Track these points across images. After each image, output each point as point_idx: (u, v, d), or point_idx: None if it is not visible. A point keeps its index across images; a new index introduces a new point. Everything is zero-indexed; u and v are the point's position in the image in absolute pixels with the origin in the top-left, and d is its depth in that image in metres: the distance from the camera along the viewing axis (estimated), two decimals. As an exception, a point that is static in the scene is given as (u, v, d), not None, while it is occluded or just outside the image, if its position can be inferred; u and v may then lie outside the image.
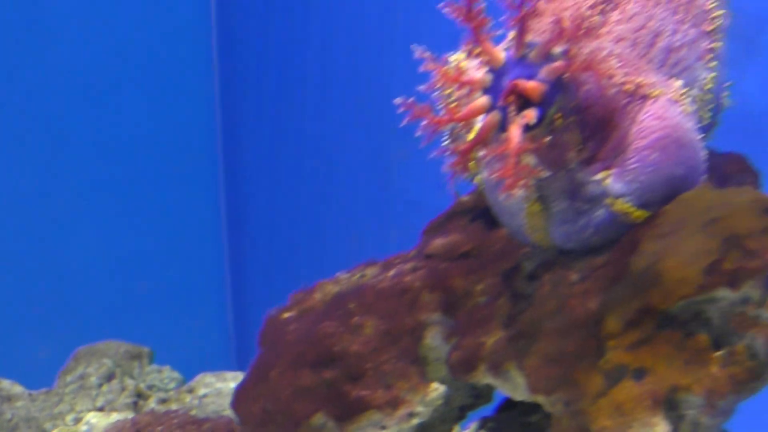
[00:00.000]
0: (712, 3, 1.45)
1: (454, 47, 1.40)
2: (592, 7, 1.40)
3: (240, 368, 3.08)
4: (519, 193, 1.24)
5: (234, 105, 3.50)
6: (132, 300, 3.52)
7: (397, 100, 1.29)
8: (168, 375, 2.52)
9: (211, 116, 3.58)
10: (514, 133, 1.23)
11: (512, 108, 1.23)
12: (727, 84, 1.49)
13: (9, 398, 2.43)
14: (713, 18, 1.44)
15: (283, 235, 3.40)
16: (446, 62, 1.42)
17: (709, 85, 1.43)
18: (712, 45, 1.43)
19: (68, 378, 2.48)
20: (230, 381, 2.44)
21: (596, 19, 1.27)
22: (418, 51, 1.28)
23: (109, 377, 2.47)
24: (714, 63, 1.43)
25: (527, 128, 1.24)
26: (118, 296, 3.52)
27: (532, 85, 1.23)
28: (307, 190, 3.28)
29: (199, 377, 2.46)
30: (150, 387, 2.50)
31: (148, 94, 3.50)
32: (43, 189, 3.42)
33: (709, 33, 1.43)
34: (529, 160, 1.26)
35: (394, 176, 2.96)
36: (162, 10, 3.50)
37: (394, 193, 2.94)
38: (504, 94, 1.23)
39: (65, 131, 3.43)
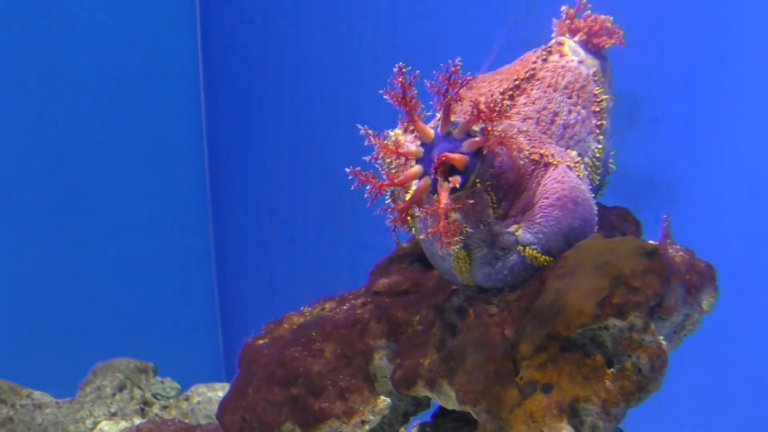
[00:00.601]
0: (599, 89, 1.44)
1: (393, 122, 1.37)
2: (502, 93, 1.38)
3: (228, 380, 3.02)
4: (453, 247, 1.21)
5: (220, 172, 3.46)
6: (140, 324, 3.46)
7: (348, 170, 1.25)
8: (169, 385, 2.46)
9: (202, 179, 3.53)
10: (443, 195, 1.20)
11: (441, 175, 1.20)
12: (613, 153, 1.47)
13: (40, 406, 2.37)
14: (600, 101, 1.43)
15: (260, 272, 3.36)
16: (386, 137, 1.39)
17: (598, 154, 1.41)
18: (600, 122, 1.42)
19: (88, 389, 2.42)
20: (219, 390, 2.38)
21: (506, 102, 1.24)
22: (363, 129, 1.25)
23: (121, 388, 2.41)
24: (601, 137, 1.42)
25: (453, 191, 1.22)
26: (129, 321, 3.46)
27: (458, 157, 1.20)
28: (279, 234, 3.24)
29: (193, 388, 2.40)
30: (154, 395, 2.44)
31: (143, 153, 3.43)
32: (61, 242, 3.36)
33: (597, 113, 1.42)
34: (455, 216, 1.23)
35: (348, 223, 2.93)
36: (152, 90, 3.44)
37: (348, 236, 2.91)
38: (435, 165, 1.19)
39: (79, 183, 3.36)
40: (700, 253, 1.35)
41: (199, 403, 2.35)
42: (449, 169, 1.21)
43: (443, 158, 1.19)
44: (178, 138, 3.52)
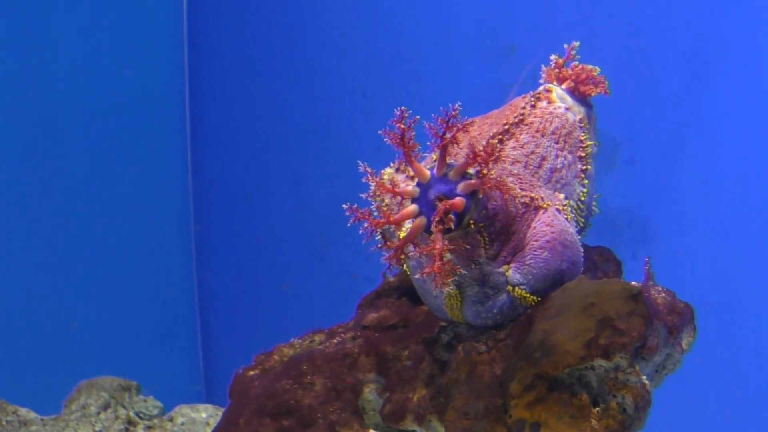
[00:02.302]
0: (584, 135, 1.41)
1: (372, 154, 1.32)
2: (493, 137, 1.34)
3: (208, 400, 2.95)
4: (448, 288, 1.17)
5: (204, 199, 3.41)
6: (122, 341, 3.38)
7: (345, 206, 1.21)
8: (152, 404, 2.38)
9: (186, 205, 3.47)
10: (438, 237, 1.16)
11: (441, 220, 1.16)
12: (596, 196, 1.44)
13: (25, 423, 2.28)
14: (585, 146, 1.40)
15: (241, 295, 3.31)
16: (381, 176, 1.36)
17: (583, 198, 1.38)
18: (585, 167, 1.39)
19: (73, 407, 2.33)
20: (202, 412, 2.30)
21: (498, 146, 1.21)
22: (362, 167, 1.22)
23: (105, 407, 2.33)
24: (586, 181, 1.39)
25: (447, 231, 1.18)
26: (111, 339, 3.37)
27: (458, 202, 1.17)
28: (261, 262, 3.19)
29: (177, 408, 2.33)
30: (138, 414, 2.36)
31: (128, 176, 3.36)
32: (48, 262, 3.28)
33: (582, 158, 1.39)
34: (449, 257, 1.19)
35: (329, 251, 2.88)
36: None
37: (328, 263, 2.87)
38: (439, 213, 1.16)
39: (63, 205, 3.28)
40: (673, 286, 1.33)
41: (183, 423, 2.27)
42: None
43: (448, 205, 1.15)
44: (163, 165, 3.46)
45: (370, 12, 2.65)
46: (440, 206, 1.15)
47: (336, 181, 2.75)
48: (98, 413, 2.31)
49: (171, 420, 2.29)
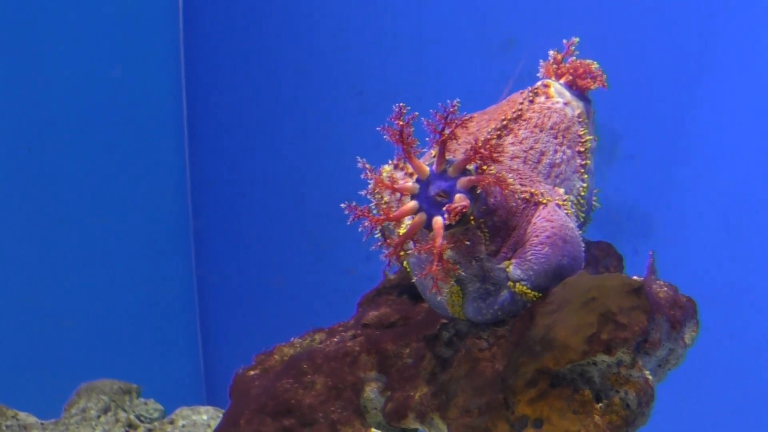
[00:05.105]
0: (583, 130, 1.41)
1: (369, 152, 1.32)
2: (491, 132, 1.35)
3: (209, 402, 2.96)
4: (444, 293, 1.17)
5: (203, 199, 3.41)
6: (122, 344, 3.38)
7: (343, 205, 1.21)
8: (153, 407, 2.39)
9: (184, 205, 3.47)
10: (438, 234, 1.16)
11: (454, 219, 1.16)
12: (596, 191, 1.45)
13: (25, 427, 2.29)
14: (584, 141, 1.40)
15: (241, 295, 3.31)
16: (380, 173, 1.36)
17: (583, 193, 1.38)
18: (584, 162, 1.39)
19: (72, 410, 2.34)
20: (203, 414, 2.31)
21: (499, 143, 1.21)
22: (361, 163, 1.22)
23: (106, 410, 2.33)
24: (586, 176, 1.39)
25: (447, 227, 1.18)
26: (110, 341, 3.38)
27: (465, 203, 1.17)
28: (260, 261, 3.19)
29: (178, 411, 2.33)
30: (138, 417, 2.36)
31: (127, 178, 3.37)
32: (46, 264, 3.28)
33: (581, 153, 1.39)
34: (449, 253, 1.20)
35: (329, 249, 2.89)
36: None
37: (327, 262, 2.88)
38: (451, 214, 1.16)
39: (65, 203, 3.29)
40: (674, 280, 1.33)
41: (184, 426, 2.28)
42: (442, 206, 1.18)
43: (460, 207, 1.15)
44: (160, 165, 3.46)
45: (367, 8, 2.66)
46: (454, 207, 1.15)
47: (334, 179, 2.76)
48: (98, 417, 2.32)
49: (171, 422, 2.30)
